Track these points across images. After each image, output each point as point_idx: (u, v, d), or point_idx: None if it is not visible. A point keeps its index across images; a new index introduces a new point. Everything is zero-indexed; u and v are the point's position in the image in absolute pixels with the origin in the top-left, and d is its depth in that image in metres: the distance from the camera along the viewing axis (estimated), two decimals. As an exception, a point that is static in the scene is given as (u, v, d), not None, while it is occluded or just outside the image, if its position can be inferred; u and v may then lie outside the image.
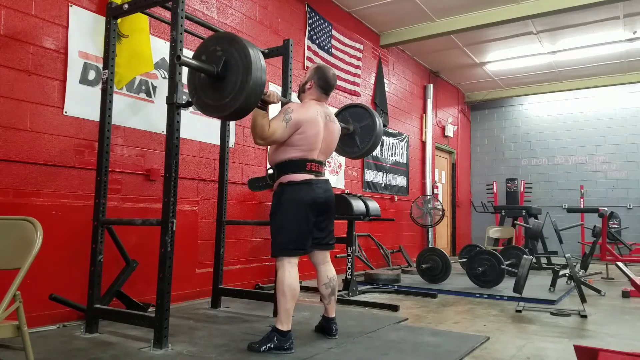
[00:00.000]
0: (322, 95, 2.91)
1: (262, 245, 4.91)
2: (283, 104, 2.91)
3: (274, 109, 2.80)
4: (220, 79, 2.47)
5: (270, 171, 2.84)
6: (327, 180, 2.88)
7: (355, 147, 3.72)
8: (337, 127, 2.96)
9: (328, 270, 2.94)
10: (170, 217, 2.63)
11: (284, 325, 2.62)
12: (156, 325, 2.60)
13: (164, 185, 2.68)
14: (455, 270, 5.83)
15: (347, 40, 6.50)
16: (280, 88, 3.83)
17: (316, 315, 3.24)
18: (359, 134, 3.69)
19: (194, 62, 2.47)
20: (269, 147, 2.86)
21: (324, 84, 2.88)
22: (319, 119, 2.77)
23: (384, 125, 7.33)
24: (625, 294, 4.75)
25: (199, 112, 4.29)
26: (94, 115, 3.27)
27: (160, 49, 3.88)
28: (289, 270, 2.66)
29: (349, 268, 4.55)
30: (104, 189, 2.99)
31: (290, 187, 2.71)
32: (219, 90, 2.48)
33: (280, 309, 2.64)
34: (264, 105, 2.63)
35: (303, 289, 4.56)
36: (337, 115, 3.77)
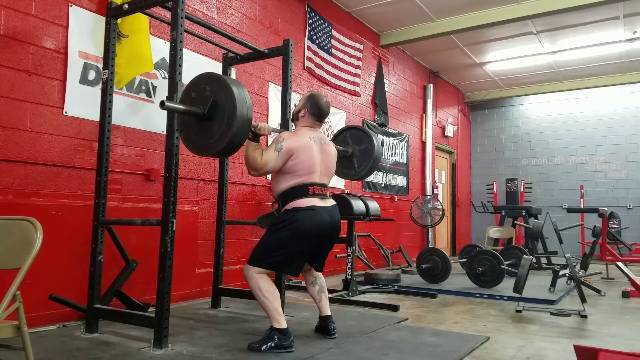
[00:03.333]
0: (316, 123, 2.92)
1: (262, 245, 4.91)
2: (276, 132, 2.93)
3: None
4: (207, 119, 2.50)
5: (276, 205, 2.83)
6: (335, 205, 2.85)
7: (353, 170, 3.74)
8: (333, 150, 2.97)
9: (311, 270, 3.01)
10: (170, 217, 2.63)
11: (280, 323, 2.63)
12: (156, 325, 2.60)
13: (164, 185, 2.68)
14: (455, 270, 5.82)
15: (347, 40, 6.50)
16: (280, 88, 3.83)
17: (316, 315, 3.24)
18: (357, 157, 3.71)
19: (179, 106, 2.49)
20: (270, 177, 2.88)
21: (317, 112, 2.89)
22: (312, 143, 2.78)
23: (384, 125, 7.33)
24: (625, 294, 4.75)
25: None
26: (94, 115, 3.27)
27: (160, 49, 3.88)
28: (260, 277, 2.68)
29: (349, 268, 4.54)
30: (104, 189, 2.99)
31: (294, 213, 2.68)
32: (206, 130, 2.52)
33: (270, 311, 2.65)
34: (255, 137, 2.65)
35: (301, 289, 4.57)
36: (338, 134, 3.86)
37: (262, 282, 2.67)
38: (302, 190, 2.72)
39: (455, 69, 8.94)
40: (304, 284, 4.66)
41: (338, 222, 2.85)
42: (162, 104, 2.41)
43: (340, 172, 3.81)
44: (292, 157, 2.70)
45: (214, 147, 2.47)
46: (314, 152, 2.77)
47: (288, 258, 2.71)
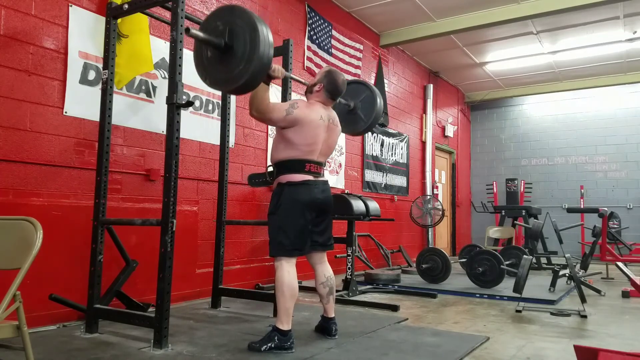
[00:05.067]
0: (329, 100, 2.91)
1: (262, 245, 4.91)
2: (287, 78, 2.89)
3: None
4: (228, 49, 2.45)
5: (270, 169, 2.86)
6: (326, 181, 2.89)
7: (361, 122, 3.67)
8: (338, 129, 2.98)
9: (325, 270, 2.95)
10: (170, 217, 2.63)
11: (284, 325, 2.62)
12: (156, 325, 2.60)
13: (164, 185, 2.68)
14: (455, 270, 5.82)
15: (347, 41, 6.50)
16: (280, 88, 3.82)
17: (316, 315, 3.24)
18: (360, 109, 3.67)
19: (202, 34, 2.45)
20: (270, 146, 2.86)
21: (332, 89, 2.88)
22: (320, 122, 2.77)
23: (384, 126, 7.33)
24: (625, 294, 4.75)
25: (199, 112, 4.30)
26: (94, 115, 3.27)
27: (160, 49, 3.88)
28: (288, 270, 2.67)
29: (349, 268, 4.54)
30: (104, 189, 2.99)
31: (288, 187, 2.72)
32: (230, 60, 2.46)
33: (280, 309, 2.65)
34: (267, 79, 2.64)
35: (303, 289, 4.55)
36: None
37: (287, 276, 2.66)
38: (299, 165, 2.73)
39: (455, 69, 8.94)
40: (304, 283, 4.69)
41: (330, 195, 2.88)
42: (187, 30, 2.40)
43: (348, 130, 3.75)
44: (296, 128, 2.69)
45: (245, 71, 2.40)
46: (320, 131, 2.76)
47: (296, 231, 2.69)
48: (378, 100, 3.61)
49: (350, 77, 6.52)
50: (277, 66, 2.66)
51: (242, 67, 2.41)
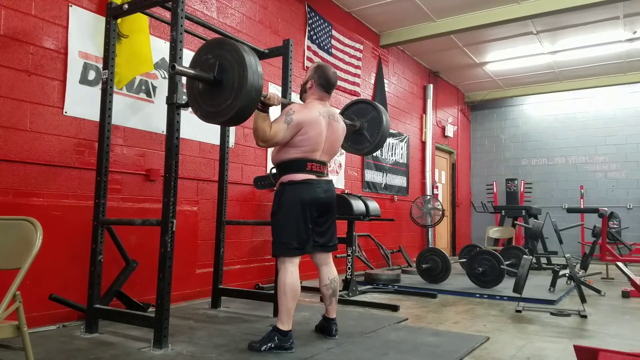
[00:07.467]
0: (324, 94, 2.89)
1: (262, 245, 4.91)
2: (284, 106, 2.90)
3: (275, 111, 2.79)
4: (218, 84, 2.47)
5: (274, 170, 2.86)
6: (330, 181, 2.87)
7: (366, 142, 3.69)
8: (341, 126, 2.95)
9: (330, 272, 2.94)
10: (170, 217, 2.63)
11: (284, 325, 2.62)
12: (156, 325, 2.60)
13: (164, 185, 2.68)
14: (455, 270, 5.82)
15: (347, 41, 6.50)
16: (280, 88, 3.83)
17: (316, 315, 3.24)
18: (366, 129, 3.67)
19: (189, 70, 2.48)
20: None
21: (325, 83, 2.87)
22: (321, 119, 2.76)
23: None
24: (625, 294, 4.75)
25: (199, 112, 4.29)
26: (94, 115, 3.27)
27: (160, 49, 3.88)
28: (291, 270, 2.66)
29: (349, 268, 4.54)
30: (104, 189, 2.99)
31: (290, 186, 2.72)
32: (219, 94, 2.48)
33: (282, 309, 2.64)
34: (265, 107, 2.63)
35: (303, 289, 4.55)
36: (340, 114, 3.78)
37: (290, 277, 2.65)
38: (301, 164, 2.73)
39: (455, 69, 8.94)
40: (304, 283, 4.68)
41: (333, 195, 2.86)
42: (172, 67, 2.41)
43: (354, 149, 3.76)
44: (301, 132, 2.68)
45: (233, 106, 2.41)
46: (321, 128, 2.75)
47: (297, 231, 2.68)
48: (384, 121, 3.60)
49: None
50: (272, 94, 2.65)
51: (230, 102, 2.42)
